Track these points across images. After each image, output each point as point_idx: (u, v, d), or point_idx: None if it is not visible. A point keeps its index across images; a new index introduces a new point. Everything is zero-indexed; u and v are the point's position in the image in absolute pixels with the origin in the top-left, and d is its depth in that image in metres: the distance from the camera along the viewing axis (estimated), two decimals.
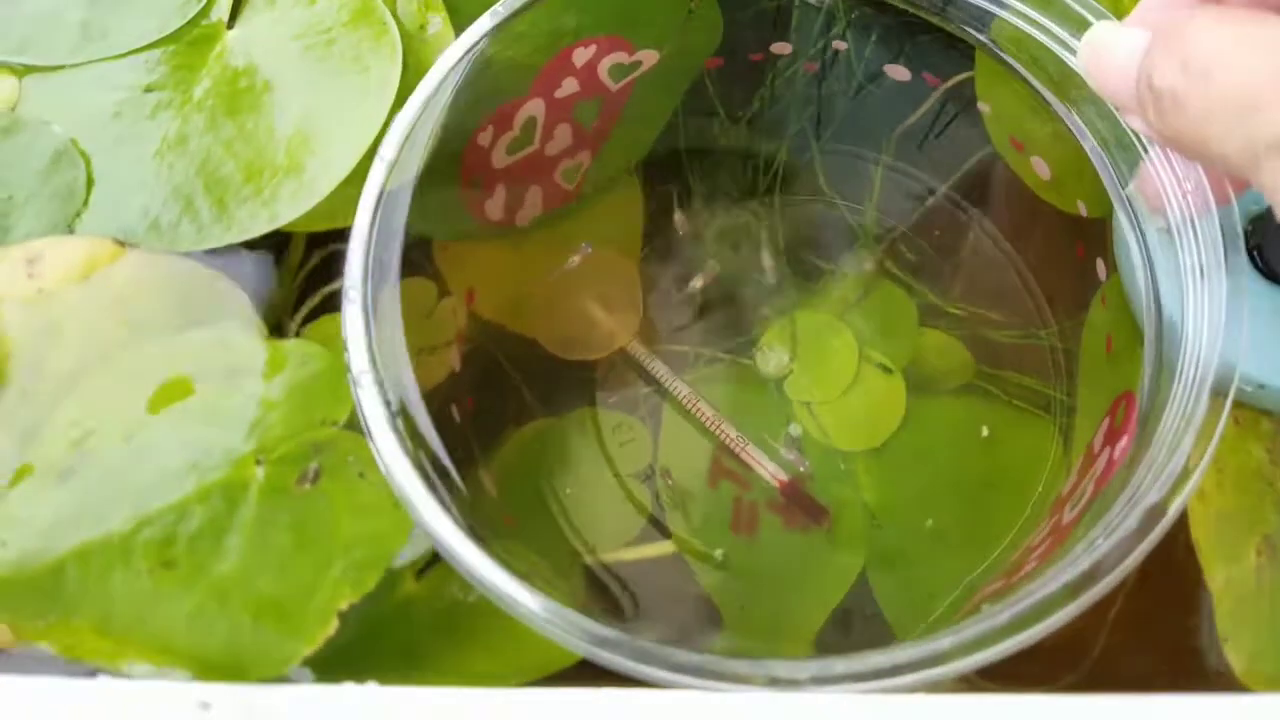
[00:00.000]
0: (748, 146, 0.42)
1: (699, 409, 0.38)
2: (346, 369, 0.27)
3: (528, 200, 0.38)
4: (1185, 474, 0.26)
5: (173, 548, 0.32)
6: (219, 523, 0.33)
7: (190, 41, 0.41)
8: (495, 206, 0.37)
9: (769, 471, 0.37)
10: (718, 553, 0.36)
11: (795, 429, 0.38)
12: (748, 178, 0.42)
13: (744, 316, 0.40)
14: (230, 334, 0.36)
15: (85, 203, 0.39)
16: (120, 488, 0.33)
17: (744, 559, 0.36)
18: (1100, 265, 0.35)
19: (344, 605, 0.31)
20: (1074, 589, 0.25)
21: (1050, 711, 0.22)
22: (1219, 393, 0.27)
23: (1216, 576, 0.34)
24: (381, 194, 0.29)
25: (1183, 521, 0.34)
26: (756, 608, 0.36)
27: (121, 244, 0.37)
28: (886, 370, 0.39)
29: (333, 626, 0.31)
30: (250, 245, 0.38)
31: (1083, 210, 0.35)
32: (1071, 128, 0.33)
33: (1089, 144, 0.32)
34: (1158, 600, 0.35)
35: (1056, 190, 0.37)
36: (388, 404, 0.27)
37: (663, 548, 0.36)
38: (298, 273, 0.39)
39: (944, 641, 0.24)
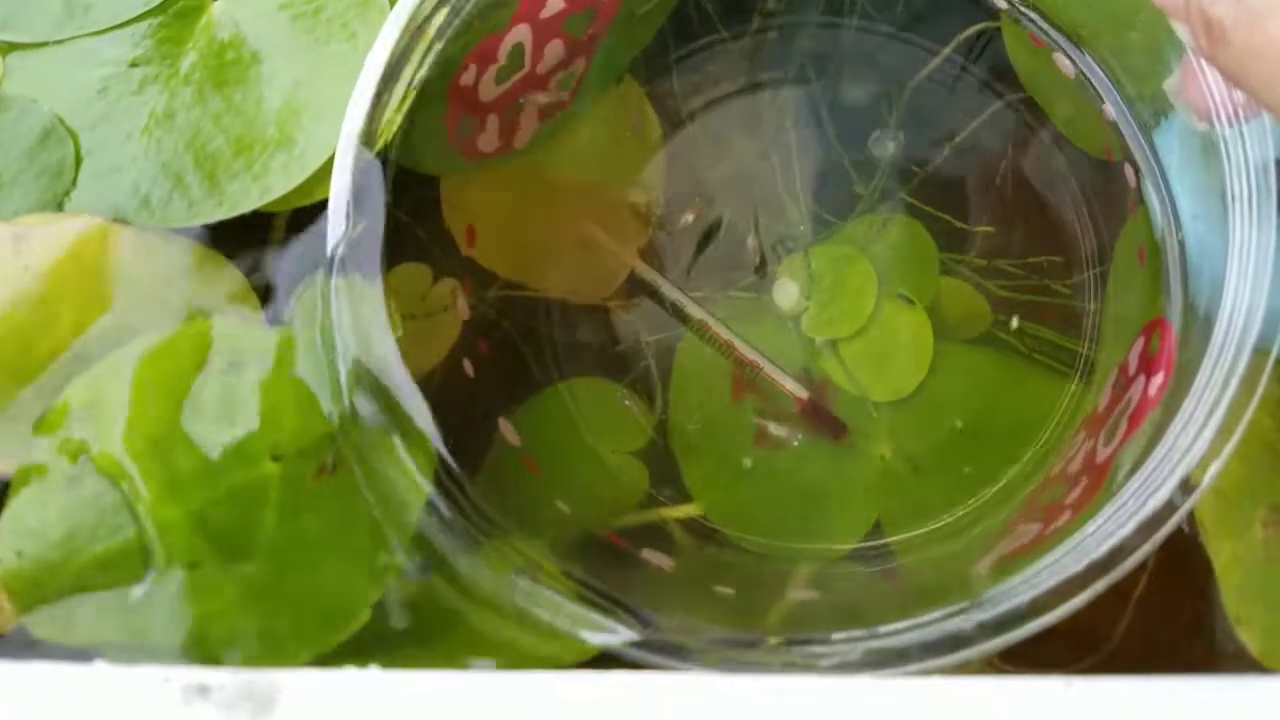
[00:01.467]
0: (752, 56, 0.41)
1: (715, 332, 0.37)
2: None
3: (523, 121, 0.37)
4: (1223, 435, 0.25)
5: (195, 549, 0.32)
6: (242, 522, 0.32)
7: (175, 14, 0.40)
8: (489, 139, 0.36)
9: (789, 389, 0.37)
10: (746, 461, 0.36)
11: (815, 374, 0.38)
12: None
13: (750, 250, 0.39)
14: (229, 320, 0.35)
15: (74, 181, 0.38)
16: (136, 488, 0.32)
17: (770, 467, 0.36)
18: (1129, 170, 0.34)
19: (377, 597, 0.31)
20: (1103, 565, 0.24)
21: (1069, 694, 0.21)
22: (1262, 349, 0.26)
23: (1222, 552, 0.33)
24: (359, 150, 0.29)
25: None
26: (786, 518, 0.36)
27: (112, 222, 0.36)
28: (909, 302, 0.38)
29: (367, 617, 0.31)
30: (244, 222, 0.37)
31: (1110, 114, 0.34)
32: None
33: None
34: (1166, 582, 0.33)
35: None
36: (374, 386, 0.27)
37: (681, 510, 0.36)
38: (286, 246, 0.38)
39: (970, 620, 0.23)
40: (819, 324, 0.38)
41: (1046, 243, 0.38)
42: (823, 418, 0.37)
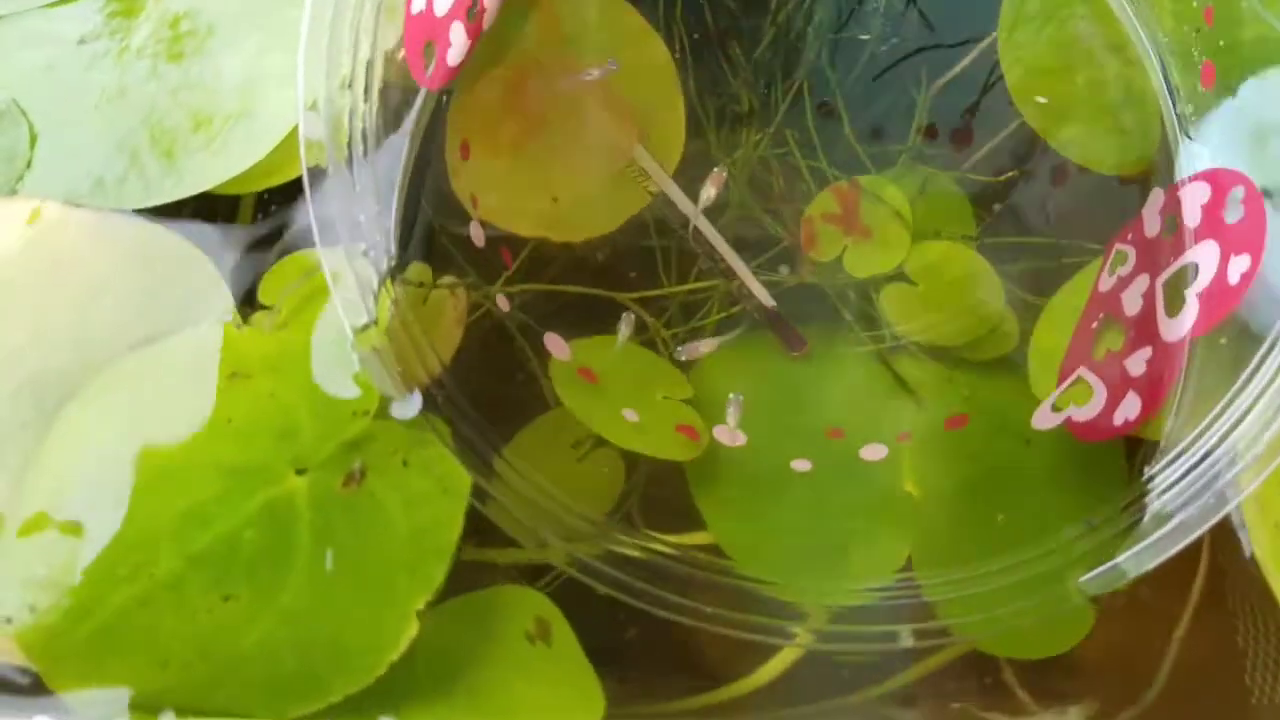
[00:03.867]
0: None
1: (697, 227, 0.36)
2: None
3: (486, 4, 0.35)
4: None
5: (229, 581, 0.30)
6: (275, 544, 0.31)
7: None
8: (456, 51, 0.34)
9: (757, 295, 0.36)
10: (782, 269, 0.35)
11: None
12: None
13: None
14: (210, 327, 0.33)
15: (29, 163, 0.36)
16: (150, 529, 0.31)
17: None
18: None
19: (422, 604, 0.30)
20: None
21: None
22: None
23: None
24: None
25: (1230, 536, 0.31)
26: None
27: (65, 205, 0.34)
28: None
29: (415, 627, 0.29)
30: (207, 203, 0.36)
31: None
32: None
33: None
34: (1222, 633, 0.31)
35: None
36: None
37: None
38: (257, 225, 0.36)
39: None
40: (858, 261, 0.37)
41: None
42: (782, 329, 0.36)
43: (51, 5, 0.38)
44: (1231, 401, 0.28)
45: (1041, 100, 0.37)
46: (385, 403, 0.31)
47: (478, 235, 0.35)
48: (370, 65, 0.30)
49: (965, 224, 0.36)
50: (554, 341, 0.34)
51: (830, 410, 0.35)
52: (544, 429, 0.34)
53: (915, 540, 0.33)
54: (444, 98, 0.35)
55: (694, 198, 0.37)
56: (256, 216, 0.36)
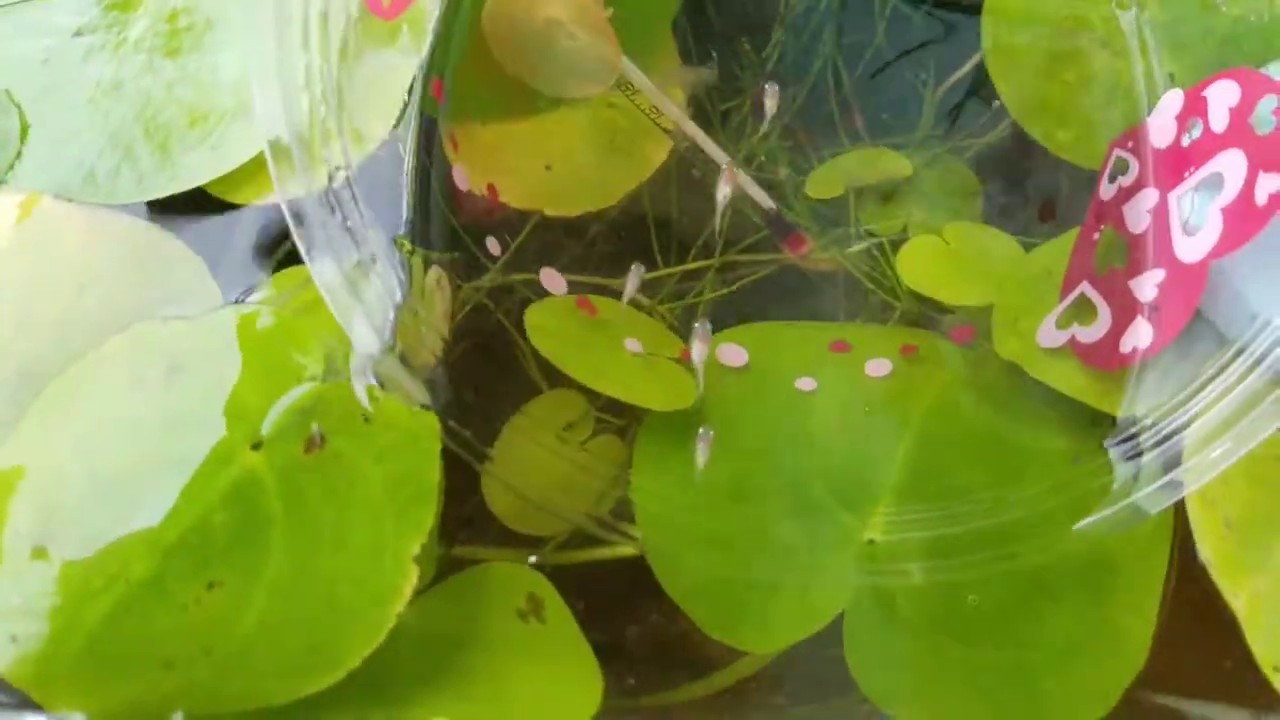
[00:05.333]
0: None
1: (686, 130, 0.35)
2: None
3: None
4: None
5: (210, 568, 0.29)
6: (247, 521, 0.30)
7: None
8: None
9: (756, 197, 0.36)
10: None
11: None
12: None
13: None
14: (181, 309, 0.33)
15: (19, 154, 0.35)
16: (113, 533, 0.30)
17: None
18: None
19: (416, 549, 0.29)
20: None
21: None
22: None
23: (1240, 594, 0.29)
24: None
25: (1186, 537, 0.30)
26: None
27: (55, 198, 0.34)
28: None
29: (415, 575, 0.28)
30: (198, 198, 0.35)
31: None
32: None
33: None
34: (1183, 638, 0.30)
35: None
36: None
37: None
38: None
39: None
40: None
41: None
42: (780, 227, 0.35)
43: None
44: (1190, 398, 0.28)
45: None
46: (330, 365, 0.31)
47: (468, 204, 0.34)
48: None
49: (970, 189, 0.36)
50: (550, 277, 0.33)
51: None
52: (536, 412, 0.33)
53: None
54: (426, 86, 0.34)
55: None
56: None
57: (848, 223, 0.36)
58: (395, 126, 0.33)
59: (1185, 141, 0.30)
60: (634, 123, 0.36)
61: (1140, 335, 0.29)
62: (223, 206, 0.35)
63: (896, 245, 0.35)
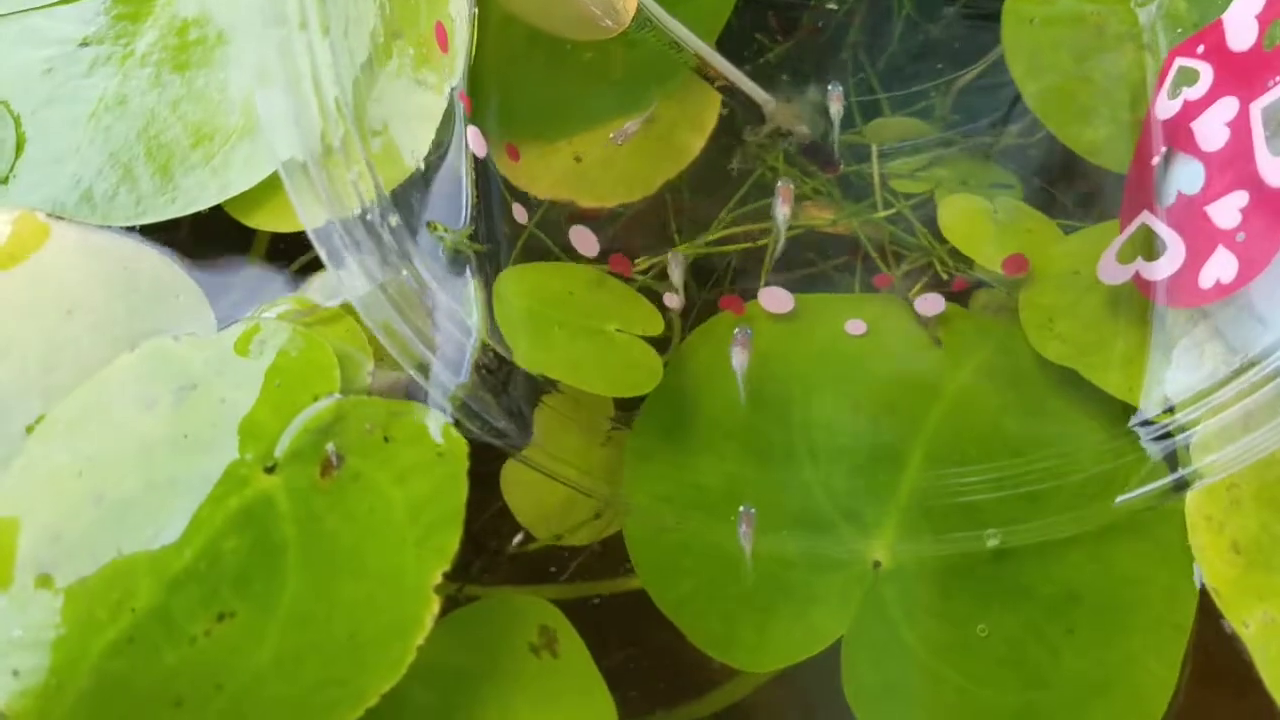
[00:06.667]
0: None
1: (709, 60, 0.34)
2: None
3: None
4: None
5: (220, 598, 0.27)
6: (260, 549, 0.28)
7: None
8: None
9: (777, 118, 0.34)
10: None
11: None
12: None
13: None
14: (179, 330, 0.31)
15: (12, 168, 0.34)
16: (121, 564, 0.28)
17: None
18: None
19: (438, 578, 0.27)
20: None
21: None
22: None
23: (1251, 622, 0.27)
24: None
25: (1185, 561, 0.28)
26: None
27: (49, 217, 0.32)
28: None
29: (436, 605, 0.27)
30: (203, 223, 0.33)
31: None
32: None
33: None
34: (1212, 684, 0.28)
35: None
36: None
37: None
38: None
39: None
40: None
41: None
42: (819, 150, 0.34)
43: (55, 4, 0.36)
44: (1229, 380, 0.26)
45: None
46: (347, 381, 0.29)
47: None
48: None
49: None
50: (581, 235, 0.31)
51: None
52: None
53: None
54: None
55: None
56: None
57: (873, 194, 0.34)
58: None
59: (1268, 45, 0.26)
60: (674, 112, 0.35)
61: (1223, 267, 0.26)
62: (229, 227, 0.33)
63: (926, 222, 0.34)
